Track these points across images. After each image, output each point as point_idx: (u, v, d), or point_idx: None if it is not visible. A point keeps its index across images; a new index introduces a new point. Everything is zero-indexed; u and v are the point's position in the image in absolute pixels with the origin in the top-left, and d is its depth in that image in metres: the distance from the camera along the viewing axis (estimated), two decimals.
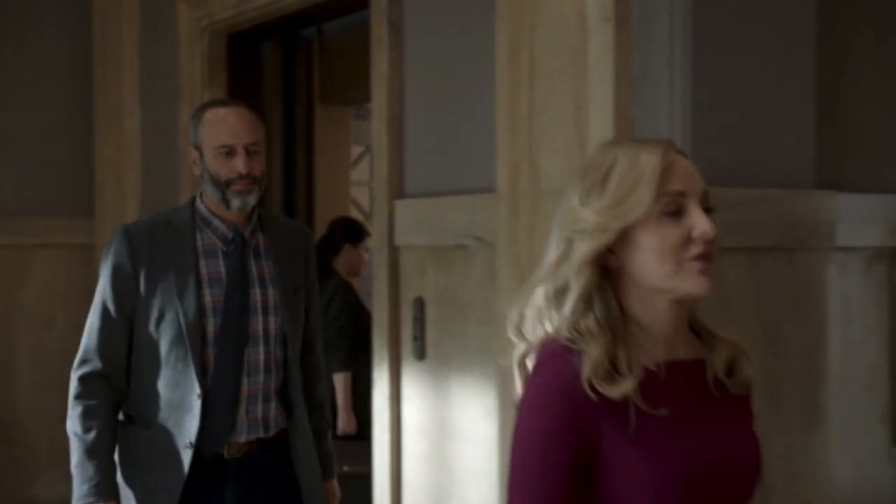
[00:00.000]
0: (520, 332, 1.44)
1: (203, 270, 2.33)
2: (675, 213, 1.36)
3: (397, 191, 2.98)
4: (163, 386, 2.31)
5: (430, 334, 2.83)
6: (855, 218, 2.33)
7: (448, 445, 2.78)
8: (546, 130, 2.37)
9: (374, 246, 3.03)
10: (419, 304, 2.85)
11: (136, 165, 4.65)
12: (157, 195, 4.51)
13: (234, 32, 4.07)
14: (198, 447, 2.31)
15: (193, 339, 2.28)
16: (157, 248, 2.33)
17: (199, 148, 2.38)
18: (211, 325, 2.31)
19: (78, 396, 2.33)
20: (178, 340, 2.28)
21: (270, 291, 2.38)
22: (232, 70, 4.12)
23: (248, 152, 2.33)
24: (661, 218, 1.35)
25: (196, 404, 2.29)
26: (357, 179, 6.47)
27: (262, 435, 2.41)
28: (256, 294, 2.38)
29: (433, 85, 2.88)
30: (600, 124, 2.28)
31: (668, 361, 1.38)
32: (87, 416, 2.31)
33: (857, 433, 2.42)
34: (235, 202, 2.33)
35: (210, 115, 2.37)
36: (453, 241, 2.75)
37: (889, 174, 1.93)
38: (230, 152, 2.32)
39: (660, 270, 1.35)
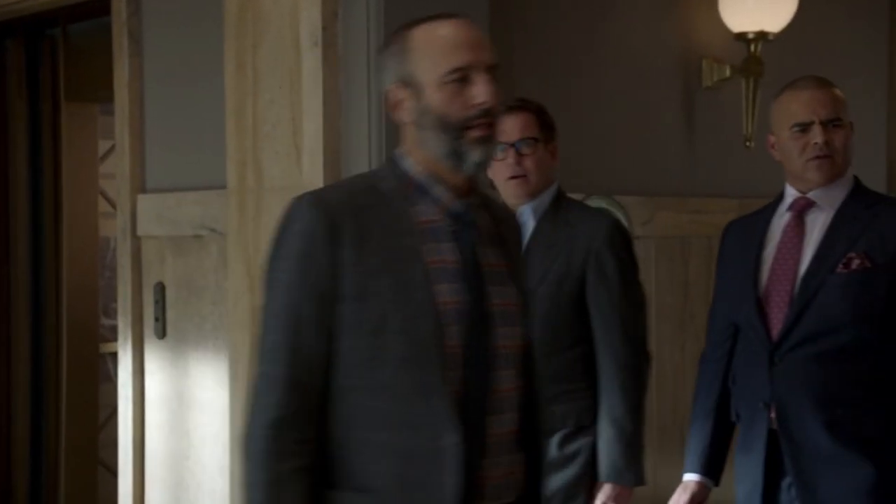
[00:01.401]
0: None
1: (428, 258, 1.61)
2: None
3: (139, 186, 3.28)
4: (390, 428, 1.57)
5: (170, 315, 3.16)
6: None
7: (186, 414, 3.11)
8: (268, 136, 2.76)
9: (119, 236, 3.31)
10: (160, 289, 3.17)
11: None
12: None
13: None
14: None
15: (436, 358, 1.56)
16: (366, 225, 1.59)
17: (410, 81, 1.61)
18: (453, 337, 1.58)
19: (264, 458, 1.56)
20: (412, 360, 1.56)
21: (509, 291, 1.66)
22: None
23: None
24: None
25: (453, 455, 1.54)
26: (108, 172, 6.56)
27: (509, 500, 1.65)
28: (491, 295, 1.64)
29: (171, 91, 3.20)
30: (312, 133, 2.70)
31: None
32: (274, 491, 1.55)
33: None
34: (474, 155, 1.59)
35: (425, 34, 1.61)
36: (190, 231, 3.10)
37: None
38: (464, 78, 1.58)
39: None
